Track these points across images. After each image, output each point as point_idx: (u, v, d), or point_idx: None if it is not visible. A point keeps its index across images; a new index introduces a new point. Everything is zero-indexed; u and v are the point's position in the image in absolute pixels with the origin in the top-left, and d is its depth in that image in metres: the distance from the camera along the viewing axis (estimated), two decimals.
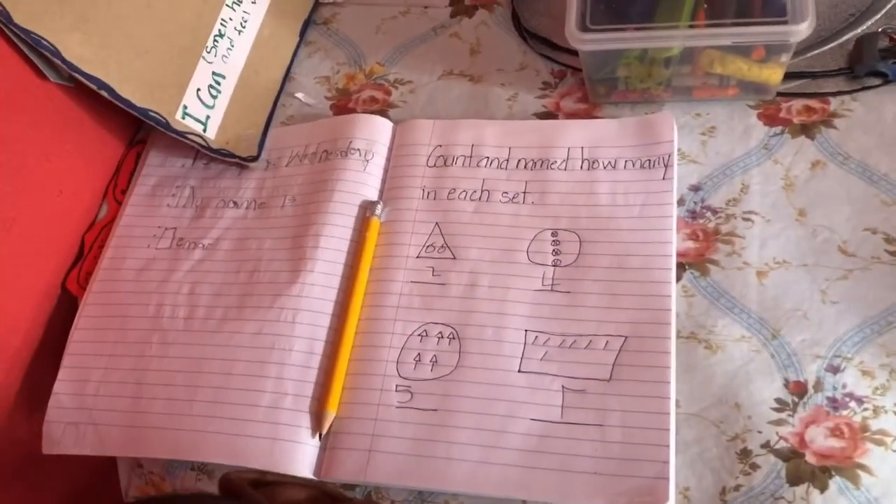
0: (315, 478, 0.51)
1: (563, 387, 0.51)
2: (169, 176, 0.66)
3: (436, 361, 0.53)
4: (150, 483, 0.55)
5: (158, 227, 0.63)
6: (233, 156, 0.63)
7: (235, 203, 0.63)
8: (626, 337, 0.51)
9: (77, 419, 0.55)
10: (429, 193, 0.60)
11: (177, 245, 0.61)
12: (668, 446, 0.47)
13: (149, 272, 0.60)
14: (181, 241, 0.62)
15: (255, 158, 0.64)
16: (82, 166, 0.64)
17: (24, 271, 0.59)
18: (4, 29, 0.54)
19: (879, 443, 0.46)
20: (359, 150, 0.62)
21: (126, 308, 0.59)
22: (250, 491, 0.39)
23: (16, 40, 0.55)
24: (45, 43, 0.55)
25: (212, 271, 0.59)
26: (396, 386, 0.52)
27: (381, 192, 0.61)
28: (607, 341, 0.52)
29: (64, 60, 0.56)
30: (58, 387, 0.56)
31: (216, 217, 0.62)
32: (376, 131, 0.63)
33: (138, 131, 0.69)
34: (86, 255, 0.63)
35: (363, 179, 0.61)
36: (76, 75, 0.57)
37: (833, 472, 0.46)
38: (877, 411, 0.47)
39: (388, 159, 0.63)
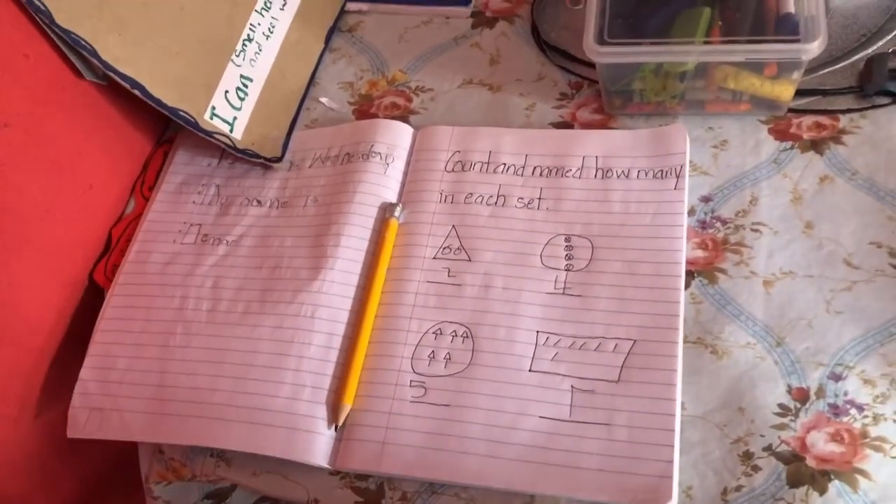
0: (330, 467, 0.52)
1: (572, 386, 0.52)
2: (195, 174, 0.68)
3: (449, 359, 0.55)
4: (171, 469, 0.57)
5: (184, 223, 0.65)
6: (258, 156, 0.66)
7: (259, 202, 0.65)
8: (634, 340, 0.53)
9: (102, 405, 0.57)
10: (446, 197, 0.62)
11: (201, 240, 0.64)
12: (672, 446, 0.49)
13: (174, 266, 0.62)
14: (206, 236, 0.64)
15: (279, 159, 0.66)
16: (112, 163, 0.66)
17: (53, 262, 0.61)
18: (47, 29, 0.56)
19: (878, 449, 0.48)
20: (380, 153, 0.64)
21: (151, 300, 0.61)
22: None
23: (56, 40, 0.57)
24: (83, 43, 0.58)
25: (235, 266, 0.61)
26: (411, 381, 0.54)
27: (401, 194, 0.63)
28: (616, 344, 0.53)
29: (100, 60, 0.59)
30: (84, 373, 0.59)
31: (240, 214, 0.64)
32: (397, 136, 0.65)
33: (165, 131, 0.72)
34: (113, 248, 0.65)
35: (383, 182, 0.63)
36: (111, 74, 0.59)
37: (832, 476, 0.47)
38: (877, 419, 0.49)
39: (408, 163, 0.65)
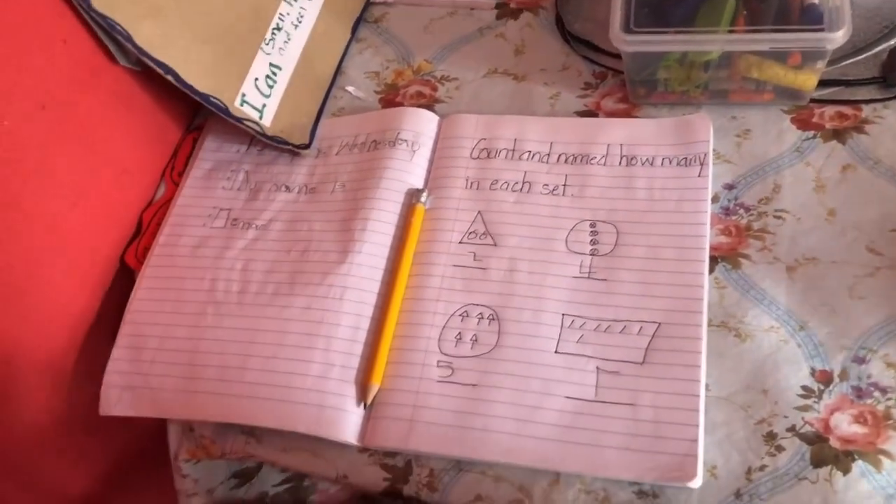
0: (359, 444, 0.53)
1: (597, 368, 0.53)
2: (224, 160, 0.69)
3: (476, 340, 0.55)
4: (201, 446, 0.58)
5: (213, 208, 0.66)
6: (286, 143, 0.67)
7: (287, 187, 0.66)
8: (659, 323, 0.54)
9: (134, 383, 0.58)
10: (472, 184, 0.63)
11: (231, 225, 0.65)
12: (697, 426, 0.49)
13: (204, 249, 0.64)
14: (235, 221, 0.65)
15: (307, 146, 0.67)
16: (143, 148, 0.68)
17: (86, 244, 0.62)
18: (84, 13, 0.58)
19: None
20: (406, 140, 0.65)
21: (182, 281, 0.62)
22: None
23: (93, 24, 0.58)
24: (118, 28, 0.59)
25: (264, 250, 0.62)
26: (438, 361, 0.55)
27: (427, 181, 0.64)
28: (641, 327, 0.54)
29: (135, 45, 0.60)
30: (116, 353, 0.60)
31: (269, 200, 0.65)
32: (423, 123, 0.66)
33: (195, 118, 0.73)
34: (143, 232, 0.66)
35: (409, 169, 0.64)
36: (145, 59, 0.61)
37: (856, 457, 0.48)
38: None
39: (434, 151, 0.66)
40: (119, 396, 0.58)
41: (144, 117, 0.67)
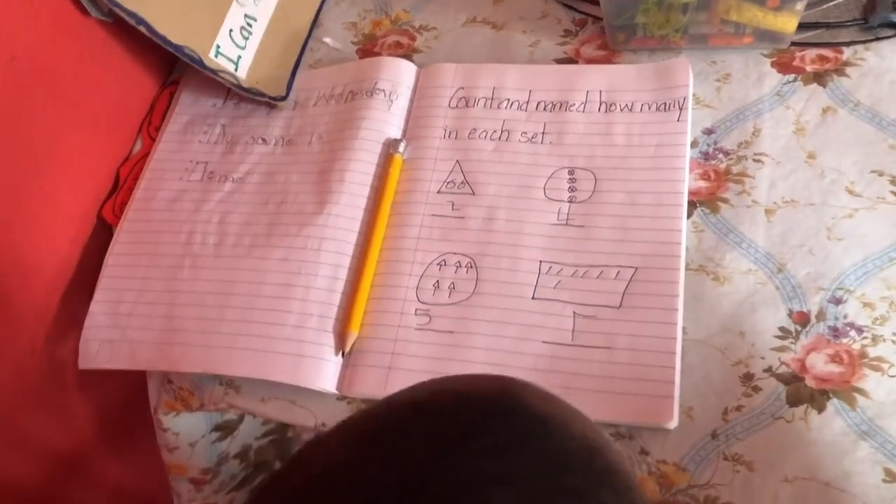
0: (338, 392, 0.53)
1: (574, 313, 0.53)
2: (200, 114, 0.68)
3: (453, 288, 0.55)
4: (179, 398, 0.58)
5: (190, 162, 0.65)
6: (263, 95, 0.66)
7: (264, 140, 0.65)
8: (636, 268, 0.54)
9: (112, 336, 0.58)
10: (450, 133, 0.62)
11: (208, 178, 0.64)
12: (674, 368, 0.49)
13: (181, 202, 0.63)
14: (212, 174, 0.64)
15: (283, 98, 0.66)
16: (120, 102, 0.67)
17: (62, 199, 0.62)
18: None
19: (876, 369, 0.48)
20: (384, 90, 0.64)
21: (159, 235, 0.62)
22: None
23: None
24: None
25: (241, 202, 0.62)
26: (416, 310, 0.55)
27: (405, 131, 0.64)
28: (618, 272, 0.54)
29: None
30: (94, 307, 0.59)
31: (246, 153, 0.65)
32: (401, 73, 0.65)
33: (171, 73, 0.72)
34: (121, 187, 0.66)
35: (387, 119, 0.63)
36: (116, 10, 0.60)
37: (831, 395, 0.48)
38: (875, 340, 0.49)
39: (412, 101, 0.65)
40: (98, 350, 0.58)
41: (119, 71, 0.66)
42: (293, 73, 0.68)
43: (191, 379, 0.58)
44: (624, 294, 0.53)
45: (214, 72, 0.64)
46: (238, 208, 0.62)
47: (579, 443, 0.27)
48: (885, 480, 0.46)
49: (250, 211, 0.61)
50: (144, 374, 0.62)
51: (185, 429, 0.61)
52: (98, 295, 0.60)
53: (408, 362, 0.53)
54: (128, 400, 0.67)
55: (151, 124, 0.69)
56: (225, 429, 0.64)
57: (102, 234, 0.64)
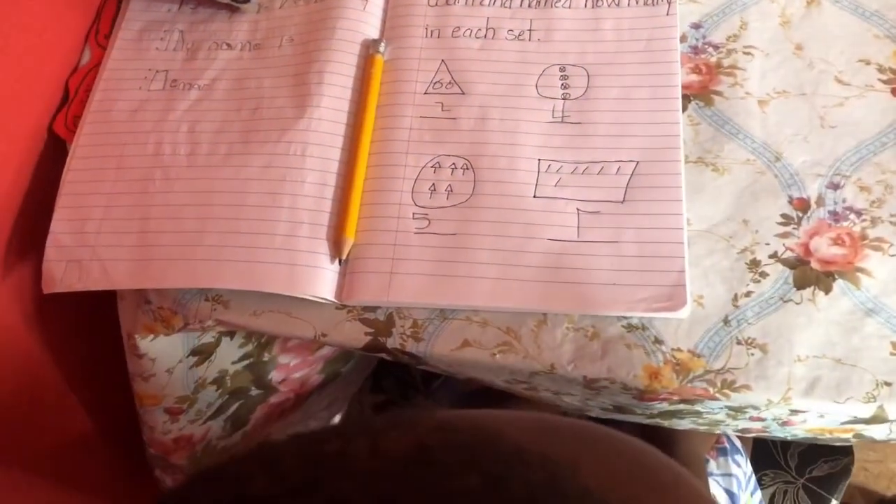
0: (337, 300, 0.51)
1: (577, 209, 0.52)
2: (155, 20, 0.63)
3: (451, 190, 0.53)
4: (159, 319, 0.54)
5: (149, 70, 0.60)
6: None
7: (229, 45, 0.61)
8: (637, 162, 0.53)
9: (80, 256, 0.54)
10: (432, 32, 0.59)
11: (170, 87, 0.59)
12: (682, 257, 0.49)
13: (143, 112, 0.58)
14: (175, 82, 0.60)
15: (246, 0, 0.62)
16: (60, 9, 0.61)
17: (6, 114, 0.56)
18: None
19: (877, 248, 0.49)
20: None
21: (122, 147, 0.57)
22: None
23: None
24: None
25: (210, 110, 0.58)
26: (413, 214, 0.53)
27: (382, 31, 0.60)
28: (619, 166, 0.53)
29: None
30: (55, 226, 0.55)
31: (209, 59, 0.60)
32: None
33: None
34: (72, 99, 0.60)
35: (363, 18, 0.60)
36: None
37: (836, 276, 0.49)
38: (874, 222, 0.50)
39: (387, 0, 0.62)
40: (64, 271, 0.53)
41: None
42: None
43: (172, 296, 0.54)
44: (627, 188, 0.52)
45: None
46: (208, 116, 0.57)
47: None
48: (892, 353, 0.47)
49: (222, 119, 0.57)
50: (109, 301, 0.58)
51: (161, 353, 0.57)
52: (59, 213, 0.55)
53: (410, 266, 0.51)
54: (93, 329, 0.63)
55: (100, 32, 0.63)
56: (202, 353, 0.60)
57: (56, 150, 0.59)
